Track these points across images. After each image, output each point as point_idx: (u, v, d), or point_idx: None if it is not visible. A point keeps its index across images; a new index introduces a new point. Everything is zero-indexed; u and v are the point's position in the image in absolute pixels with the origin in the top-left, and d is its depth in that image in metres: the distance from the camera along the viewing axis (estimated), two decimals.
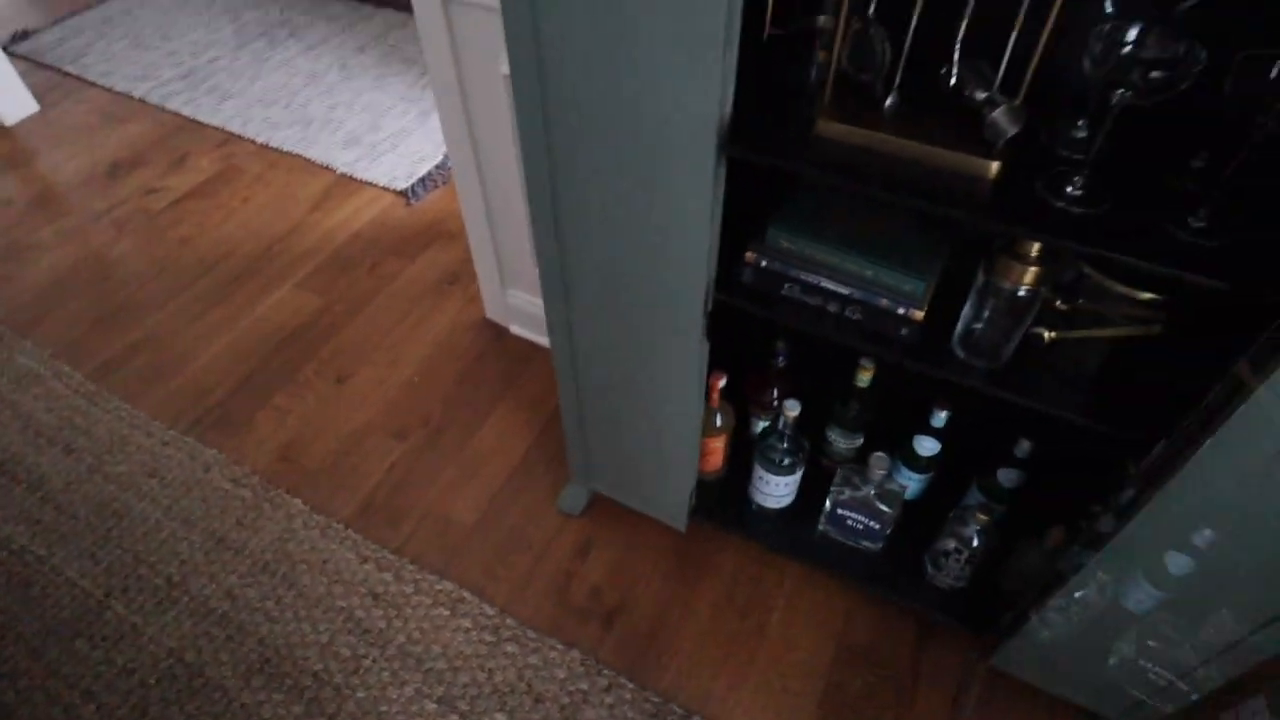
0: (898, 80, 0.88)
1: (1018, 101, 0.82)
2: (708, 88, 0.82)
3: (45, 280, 2.17)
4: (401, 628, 1.51)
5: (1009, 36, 0.81)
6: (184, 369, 1.94)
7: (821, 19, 0.91)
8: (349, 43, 2.96)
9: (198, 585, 1.58)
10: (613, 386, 1.30)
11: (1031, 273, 0.88)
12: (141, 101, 2.75)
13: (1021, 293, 0.90)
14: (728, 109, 0.85)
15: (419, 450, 1.77)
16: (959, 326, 1.00)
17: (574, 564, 1.57)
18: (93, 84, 2.84)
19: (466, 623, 1.51)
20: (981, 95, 0.83)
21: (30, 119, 2.72)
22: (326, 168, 2.47)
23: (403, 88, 2.77)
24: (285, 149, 2.53)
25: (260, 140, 2.57)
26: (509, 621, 1.49)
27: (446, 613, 1.52)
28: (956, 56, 0.83)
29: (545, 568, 1.56)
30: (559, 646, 1.46)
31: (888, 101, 0.88)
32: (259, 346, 1.99)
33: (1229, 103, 0.72)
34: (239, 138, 2.60)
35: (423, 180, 2.40)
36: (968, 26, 0.81)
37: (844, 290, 1.03)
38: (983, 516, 1.22)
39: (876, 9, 0.83)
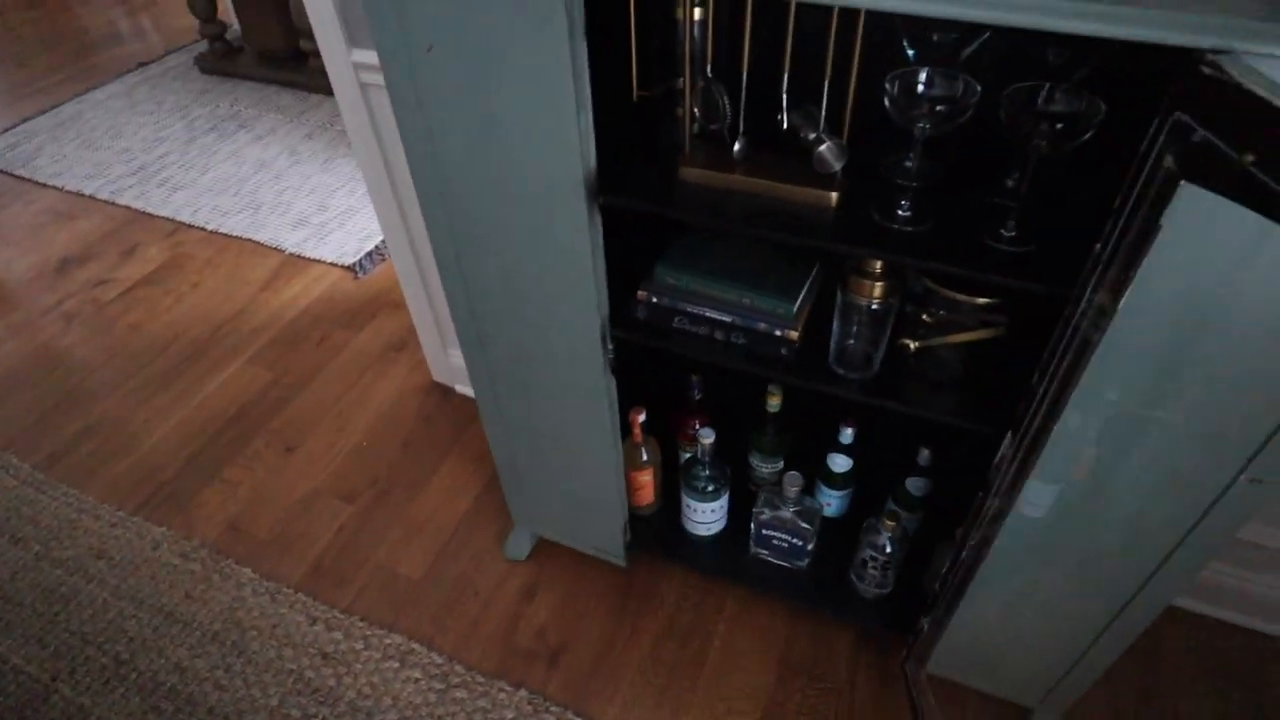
0: (742, 128, 1.00)
1: (842, 139, 0.94)
2: (571, 146, 0.93)
3: None
4: (352, 684, 1.55)
5: (823, 84, 0.94)
6: (133, 451, 2.01)
7: (677, 82, 1.05)
8: (297, 131, 3.12)
9: (146, 661, 1.61)
10: (538, 432, 1.39)
11: (880, 287, 0.99)
12: (92, 198, 2.87)
13: (875, 306, 1.01)
14: (592, 163, 0.97)
15: (367, 511, 1.84)
16: (832, 343, 1.11)
17: (520, 607, 1.63)
18: (44, 185, 2.96)
19: (416, 673, 1.56)
20: (810, 135, 0.95)
21: None
22: (276, 249, 2.59)
23: (350, 169, 2.91)
24: (234, 234, 2.65)
25: (210, 227, 2.68)
26: (457, 668, 1.55)
27: (396, 665, 1.57)
28: (785, 104, 0.96)
29: (492, 613, 1.62)
30: (507, 688, 1.51)
31: (736, 147, 1.00)
32: (208, 424, 2.06)
33: (1005, 129, 0.84)
34: (189, 226, 2.71)
35: (369, 254, 2.52)
36: (790, 78, 0.94)
37: (727, 318, 1.14)
38: (890, 523, 1.31)
39: (713, 69, 0.96)
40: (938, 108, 0.85)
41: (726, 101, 0.97)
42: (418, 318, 1.98)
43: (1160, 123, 0.65)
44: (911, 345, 1.09)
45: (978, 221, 0.94)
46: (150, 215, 2.77)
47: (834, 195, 0.97)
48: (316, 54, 3.29)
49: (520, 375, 1.30)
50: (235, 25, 3.57)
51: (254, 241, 2.62)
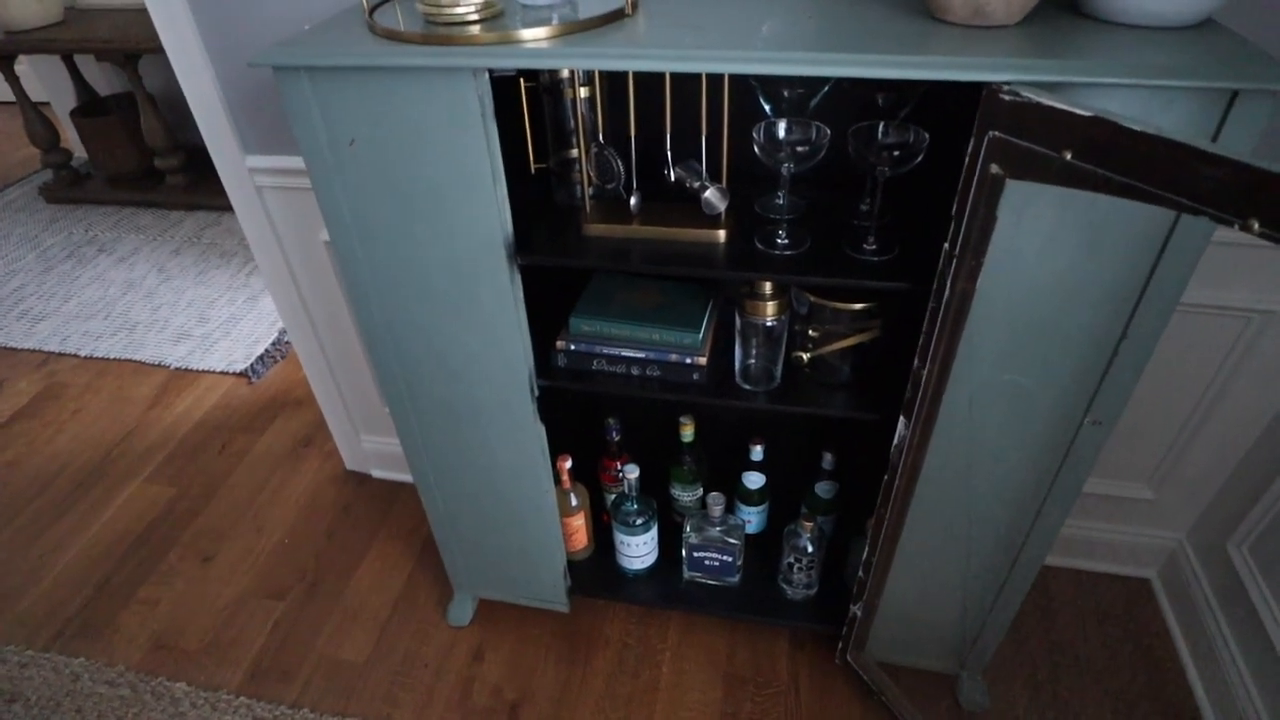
0: (635, 185, 1.12)
1: (723, 184, 1.08)
2: (491, 214, 1.02)
3: None
4: None
5: (700, 139, 1.07)
6: (31, 590, 1.86)
7: (571, 152, 1.16)
8: (163, 248, 3.03)
9: None
10: (475, 491, 1.43)
11: (772, 305, 1.12)
12: None
13: (770, 324, 1.13)
14: (509, 228, 1.06)
15: (300, 604, 1.78)
16: (736, 363, 1.23)
17: (472, 669, 1.62)
18: None
19: None
20: (695, 184, 1.08)
21: None
22: (159, 365, 2.49)
23: (226, 278, 2.85)
24: (112, 356, 2.53)
25: (83, 353, 2.55)
26: None
27: None
28: (670, 159, 1.09)
29: (445, 680, 1.61)
30: None
31: (632, 202, 1.12)
32: (113, 548, 1.94)
33: (853, 162, 1.00)
34: (60, 354, 2.57)
35: (261, 358, 2.47)
36: (672, 137, 1.07)
37: (640, 354, 1.23)
38: (807, 524, 1.42)
39: (604, 137, 1.08)
40: (797, 149, 0.99)
41: (619, 163, 1.09)
42: (327, 408, 1.96)
43: (978, 141, 0.81)
44: (805, 357, 1.22)
45: (844, 240, 1.09)
46: (13, 350, 2.60)
47: (722, 233, 1.10)
48: (174, 170, 3.23)
49: (453, 436, 1.34)
50: (80, 153, 3.44)
51: (134, 361, 2.51)
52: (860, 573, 1.33)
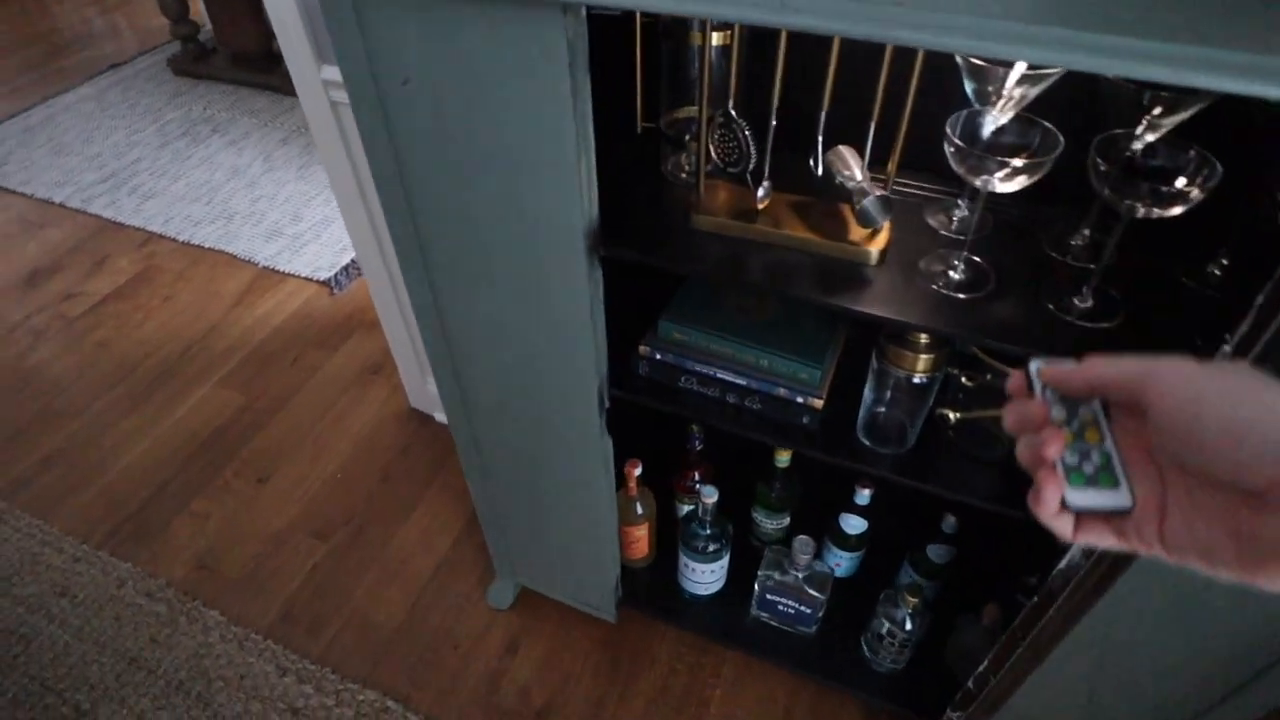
0: (767, 170, 0.81)
1: (888, 190, 0.76)
2: (570, 194, 0.74)
3: None
4: None
5: (869, 125, 0.75)
6: (99, 480, 1.79)
7: (686, 110, 0.85)
8: (272, 136, 2.87)
9: (108, 712, 1.41)
10: (524, 484, 1.20)
11: (924, 360, 0.81)
12: (62, 206, 2.61)
13: (917, 380, 0.82)
14: (594, 212, 0.78)
15: (342, 550, 1.63)
16: (861, 412, 0.93)
17: (503, 663, 1.44)
18: (12, 192, 2.69)
19: None
20: (852, 183, 0.76)
21: None
22: (249, 262, 2.36)
23: (326, 177, 2.68)
24: (207, 245, 2.41)
25: (182, 238, 2.44)
26: None
27: None
28: (821, 145, 0.77)
29: (473, 669, 1.43)
30: None
31: (759, 191, 0.81)
32: (178, 450, 1.84)
33: (1094, 185, 0.66)
34: (160, 237, 2.47)
35: (345, 269, 2.29)
36: (828, 116, 0.75)
37: (741, 381, 0.95)
38: (912, 599, 1.13)
39: (735, 102, 0.77)
40: (1008, 156, 0.66)
41: (749, 139, 0.78)
42: (395, 343, 1.77)
43: None
44: (952, 416, 0.91)
45: (1042, 284, 0.76)
46: (120, 225, 2.52)
47: (874, 251, 0.78)
48: None
49: (506, 432, 1.11)
50: (208, 26, 3.29)
51: (227, 254, 2.39)
52: (970, 684, 1.04)
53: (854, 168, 0.77)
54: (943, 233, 0.83)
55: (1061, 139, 0.66)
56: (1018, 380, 0.42)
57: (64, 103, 3.12)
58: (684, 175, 0.92)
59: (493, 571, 1.54)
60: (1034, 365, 0.41)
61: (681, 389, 0.99)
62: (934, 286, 0.77)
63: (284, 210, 2.52)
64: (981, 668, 1.03)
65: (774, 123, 0.77)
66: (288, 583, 1.58)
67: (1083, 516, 0.38)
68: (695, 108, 0.83)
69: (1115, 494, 0.37)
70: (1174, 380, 0.35)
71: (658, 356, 0.98)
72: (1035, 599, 0.85)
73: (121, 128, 2.94)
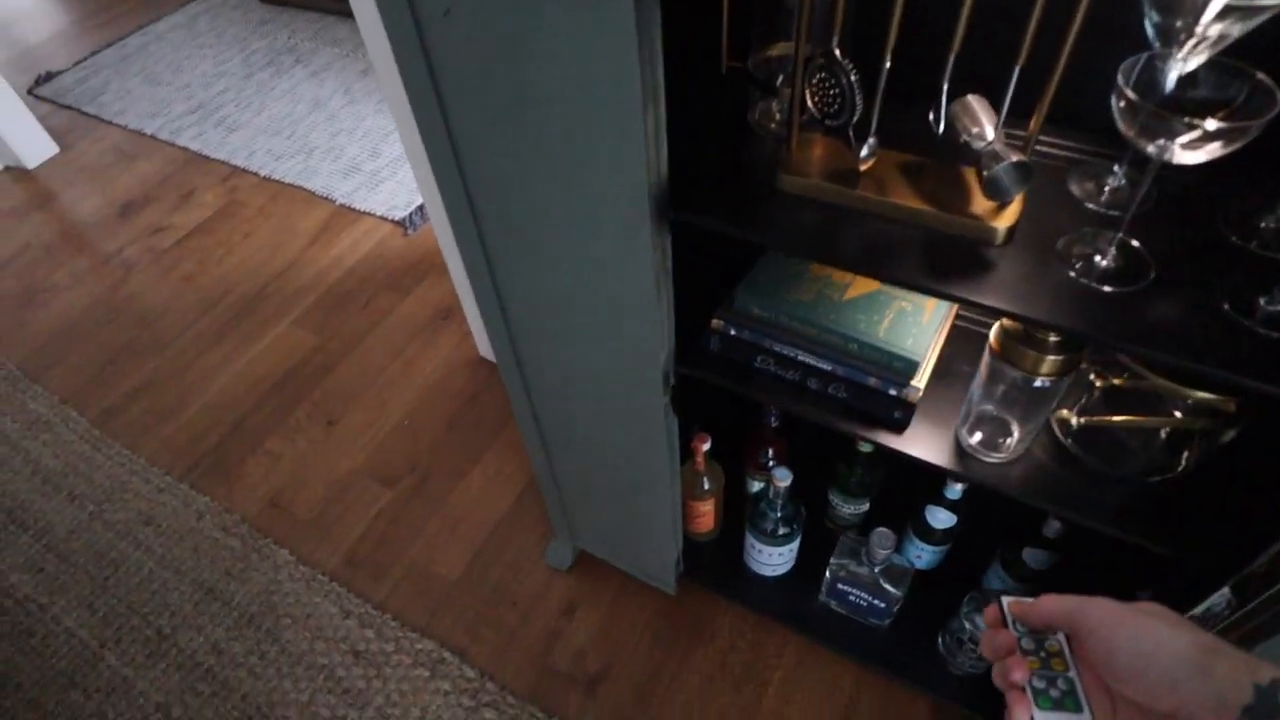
0: (874, 123, 0.66)
1: (1026, 155, 0.60)
2: (635, 149, 0.61)
3: (57, 324, 2.05)
4: (380, 688, 1.35)
5: (1011, 69, 0.59)
6: (182, 413, 1.81)
7: (780, 48, 0.70)
8: (352, 66, 2.79)
9: (186, 638, 1.45)
10: (583, 458, 1.11)
11: (1051, 362, 0.66)
12: (153, 138, 2.62)
13: (1037, 383, 0.68)
14: (663, 170, 0.65)
15: (406, 498, 1.60)
16: (964, 409, 0.79)
17: (559, 624, 1.39)
18: (109, 123, 2.72)
19: (446, 685, 1.34)
20: (982, 143, 0.61)
21: (51, 161, 2.61)
22: (326, 199, 2.31)
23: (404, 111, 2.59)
24: (287, 180, 2.38)
25: (264, 173, 2.42)
26: (489, 685, 1.32)
27: (426, 674, 1.36)
28: (945, 95, 0.62)
29: (529, 627, 1.39)
30: (539, 715, 1.29)
31: (863, 150, 0.67)
32: (253, 389, 1.84)
33: None
34: (243, 171, 2.45)
35: (419, 209, 2.22)
36: (956, 61, 0.59)
37: (825, 365, 0.82)
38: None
39: (841, 38, 0.62)
40: (1198, 119, 0.50)
41: (854, 86, 0.63)
42: (462, 289, 1.69)
43: None
44: (1074, 421, 0.76)
45: (1220, 280, 0.60)
46: (206, 158, 2.51)
47: (1001, 228, 0.63)
48: None
49: (564, 405, 1.02)
50: None
51: (306, 190, 2.35)
52: None
53: (985, 124, 0.61)
54: (1089, 206, 0.67)
55: (1277, 92, 0.49)
56: (993, 611, 0.47)
57: (157, 31, 3.11)
58: (773, 126, 0.78)
59: (553, 531, 1.48)
60: (1005, 600, 0.47)
61: (757, 369, 0.87)
62: (1073, 275, 0.62)
63: (362, 146, 2.46)
64: None
65: (887, 65, 0.62)
66: (353, 527, 1.57)
67: None
68: (791, 45, 0.68)
69: (1078, 717, 0.42)
70: (1097, 617, 0.41)
71: (732, 333, 0.86)
72: None
73: (209, 57, 2.92)
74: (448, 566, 1.49)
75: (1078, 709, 0.42)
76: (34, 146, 2.58)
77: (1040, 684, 0.43)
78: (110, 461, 1.75)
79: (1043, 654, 0.44)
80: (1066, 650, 0.44)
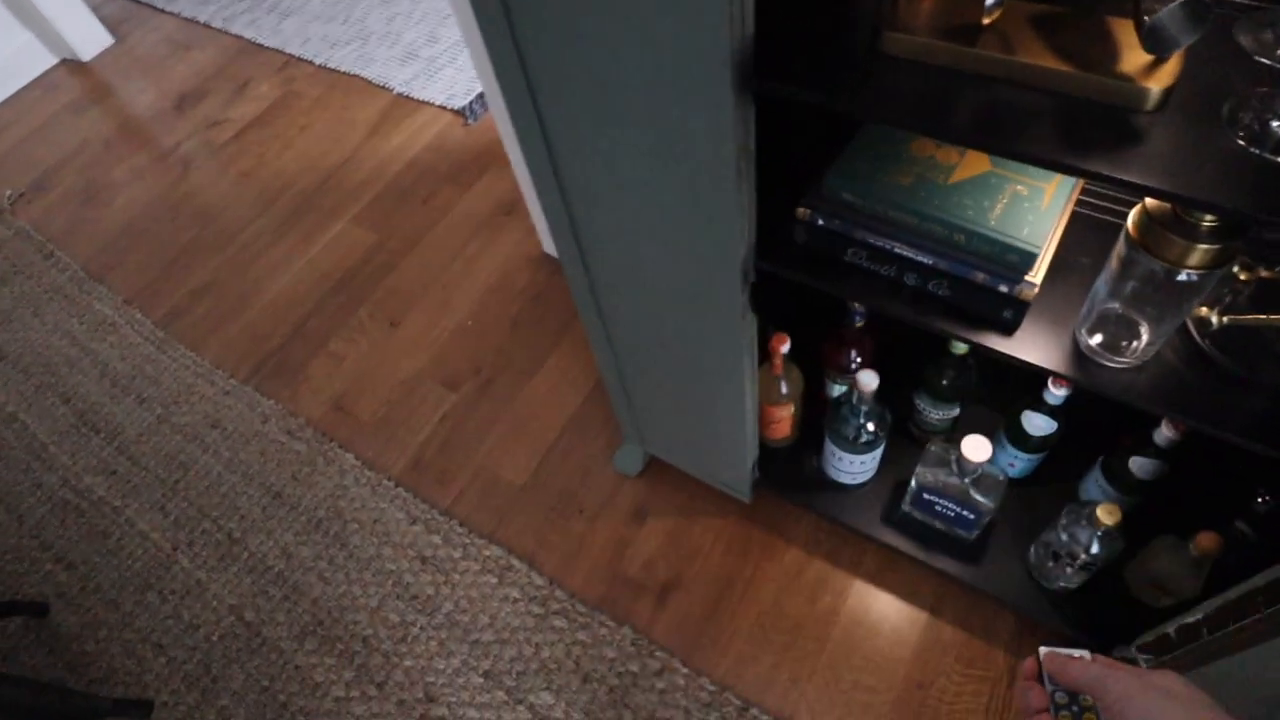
0: None
1: None
2: (714, 6, 0.55)
3: (118, 223, 2.11)
4: (449, 595, 1.40)
5: None
6: (243, 315, 1.85)
7: None
8: None
9: (256, 542, 1.52)
10: (653, 360, 1.08)
11: (1200, 252, 0.58)
12: (206, 26, 2.61)
13: (1182, 277, 0.61)
14: (747, 28, 0.58)
15: (471, 401, 1.62)
16: (1085, 307, 0.72)
17: (628, 532, 1.40)
18: (162, 10, 2.71)
19: (515, 592, 1.39)
20: None
21: (106, 52, 2.63)
22: (384, 88, 2.27)
23: None
24: (343, 69, 2.34)
25: (319, 61, 2.38)
26: (558, 593, 1.36)
27: (494, 580, 1.40)
28: None
29: (597, 535, 1.41)
30: (609, 623, 1.32)
31: (987, 1, 0.58)
32: (314, 289, 1.87)
33: None
34: (298, 60, 2.42)
35: (480, 97, 2.16)
36: None
37: (926, 259, 0.76)
38: (1106, 519, 0.95)
39: None
40: None
41: None
42: (525, 182, 1.65)
43: None
44: (1215, 319, 0.69)
45: None
46: (260, 46, 2.49)
47: (1154, 90, 0.55)
48: None
49: (633, 302, 0.98)
50: None
51: (362, 79, 2.31)
52: (1173, 634, 0.88)
53: None
54: (1262, 60, 0.57)
55: None
56: (1030, 664, 0.51)
57: None
58: None
59: (621, 437, 1.47)
60: (1042, 651, 0.50)
61: (848, 264, 0.81)
62: (1241, 143, 0.53)
63: (419, 30, 2.39)
64: (1193, 619, 0.86)
65: None
66: (418, 431, 1.60)
67: None
68: None
69: None
70: (1116, 691, 0.44)
71: (820, 222, 0.80)
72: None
73: None
74: (514, 471, 1.52)
75: None
76: (89, 38, 2.60)
77: None
78: (175, 364, 1.81)
79: (1075, 709, 0.47)
80: (1099, 709, 0.46)
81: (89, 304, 1.96)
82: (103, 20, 2.64)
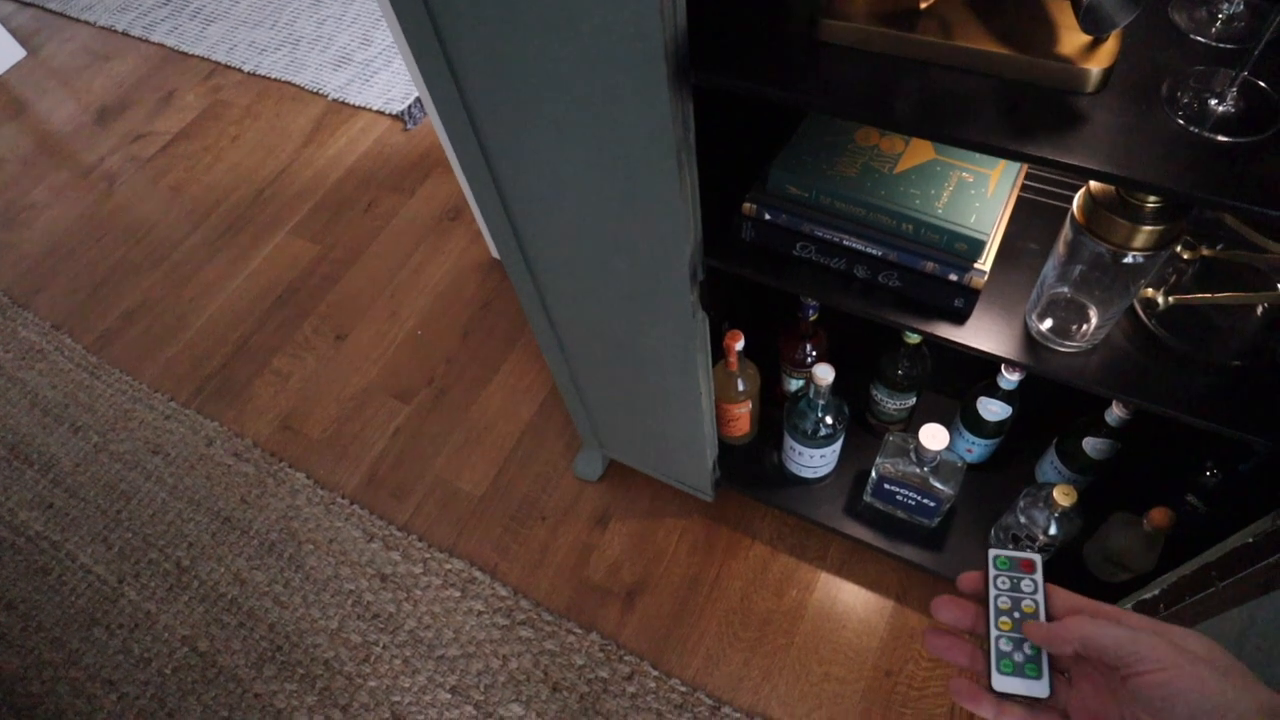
0: None
1: None
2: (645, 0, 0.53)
3: (42, 245, 2.01)
4: (411, 611, 1.36)
5: None
6: (180, 335, 1.78)
7: None
8: None
9: (206, 569, 1.46)
10: (606, 363, 1.06)
11: (1145, 234, 0.58)
12: (125, 35, 2.50)
13: (1128, 259, 0.60)
14: (680, 18, 0.56)
15: (424, 413, 1.58)
16: (1034, 293, 0.72)
17: (592, 537, 1.38)
18: (76, 20, 2.59)
19: (479, 605, 1.35)
20: None
21: (19, 65, 2.51)
22: (317, 94, 2.20)
23: None
24: (273, 76, 2.27)
25: (247, 68, 2.30)
26: (523, 603, 1.33)
27: (457, 594, 1.37)
28: None
29: (561, 542, 1.38)
30: (577, 630, 1.29)
31: None
32: (255, 305, 1.80)
33: None
34: (225, 67, 2.33)
35: (419, 101, 2.11)
36: None
37: (874, 250, 0.75)
38: (1062, 500, 0.95)
39: None
40: None
41: None
42: (467, 184, 1.61)
43: None
44: (1161, 300, 0.69)
45: None
46: (184, 54, 2.40)
47: (1094, 71, 0.54)
48: None
49: (581, 305, 0.96)
50: None
51: (294, 85, 2.24)
52: (1129, 608, 0.88)
53: None
54: (1197, 39, 0.57)
55: None
56: (972, 578, 0.47)
57: None
58: None
59: (580, 442, 1.45)
60: (992, 553, 0.47)
61: (797, 258, 0.80)
62: (1181, 123, 0.53)
63: (352, 33, 2.32)
64: (1149, 595, 0.87)
65: None
66: (371, 446, 1.55)
67: (1004, 701, 0.42)
68: None
69: (1036, 684, 0.41)
70: (1155, 660, 0.37)
71: (766, 217, 0.78)
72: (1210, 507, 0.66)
73: None
74: (472, 482, 1.48)
75: (1037, 675, 0.41)
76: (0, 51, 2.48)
77: (1006, 646, 0.42)
78: (111, 389, 1.74)
79: (1016, 615, 0.43)
80: (1043, 613, 0.43)
81: (14, 331, 1.86)
82: (13, 32, 2.52)
